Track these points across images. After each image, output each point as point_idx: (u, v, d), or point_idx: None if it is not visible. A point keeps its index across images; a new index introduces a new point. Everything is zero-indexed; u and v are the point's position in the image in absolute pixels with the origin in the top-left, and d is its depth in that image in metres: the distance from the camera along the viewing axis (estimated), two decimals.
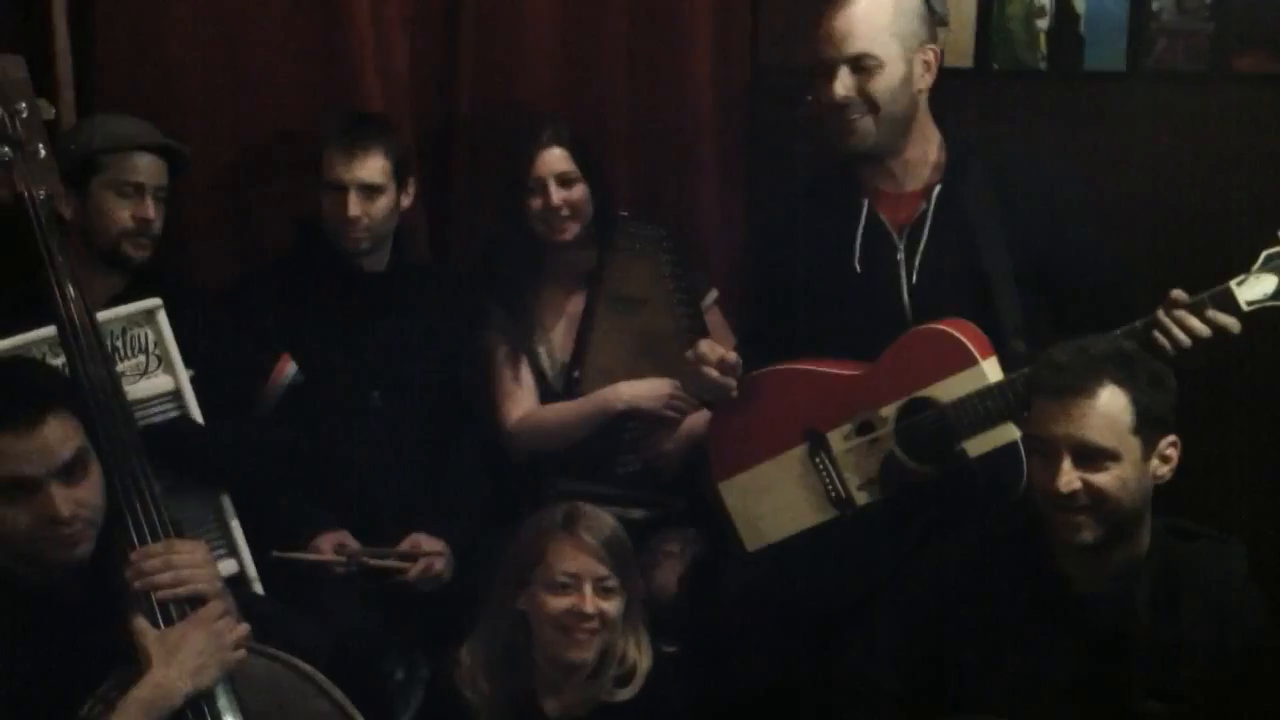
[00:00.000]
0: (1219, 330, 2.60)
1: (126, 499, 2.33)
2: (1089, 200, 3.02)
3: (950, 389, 2.76)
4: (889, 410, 2.84)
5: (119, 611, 2.30)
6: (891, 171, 2.94)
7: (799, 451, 2.95)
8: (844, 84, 2.83)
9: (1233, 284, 2.60)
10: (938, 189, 2.89)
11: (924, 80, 2.89)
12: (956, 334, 2.77)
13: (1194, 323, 2.60)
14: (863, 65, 2.82)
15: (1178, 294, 2.63)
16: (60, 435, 2.28)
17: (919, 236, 2.89)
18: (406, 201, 3.39)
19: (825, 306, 2.94)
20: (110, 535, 2.37)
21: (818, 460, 2.92)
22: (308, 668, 2.34)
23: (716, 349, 2.99)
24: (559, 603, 2.68)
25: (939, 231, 2.88)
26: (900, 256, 2.89)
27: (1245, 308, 2.59)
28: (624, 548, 2.75)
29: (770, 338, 3.06)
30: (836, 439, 2.90)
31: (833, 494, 2.92)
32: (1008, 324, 2.82)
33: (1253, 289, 2.58)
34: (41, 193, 2.51)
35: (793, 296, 2.99)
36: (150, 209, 3.06)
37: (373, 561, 3.22)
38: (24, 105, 2.55)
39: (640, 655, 2.79)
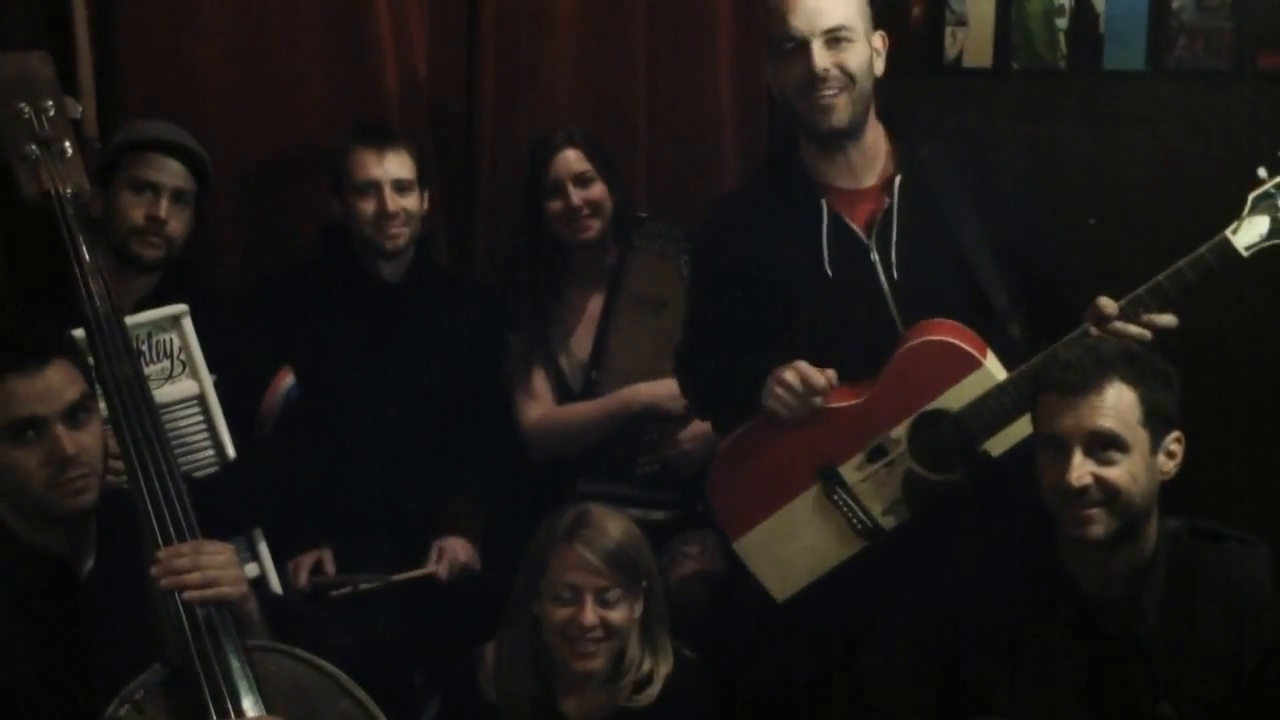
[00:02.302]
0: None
1: (153, 496, 2.34)
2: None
3: (959, 395, 2.71)
4: (900, 431, 2.76)
5: (130, 590, 2.34)
6: (850, 162, 2.83)
7: (813, 492, 2.83)
8: (822, 57, 2.73)
9: (1228, 232, 2.59)
10: (898, 180, 2.81)
11: (879, 64, 2.82)
12: (952, 340, 2.70)
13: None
14: (838, 38, 2.74)
15: None
16: (64, 378, 2.32)
17: (889, 233, 2.79)
18: (425, 204, 3.41)
19: (804, 321, 2.81)
20: (117, 504, 2.41)
21: (835, 497, 2.82)
22: (331, 667, 2.34)
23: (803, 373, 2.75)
24: (561, 613, 2.67)
25: (909, 224, 2.78)
26: (874, 256, 2.79)
27: (1245, 253, 2.58)
28: (630, 557, 2.70)
29: (748, 369, 2.83)
30: (850, 471, 2.80)
31: (858, 526, 2.82)
32: (998, 307, 2.77)
33: (1247, 234, 2.58)
34: (68, 190, 2.52)
35: (765, 314, 2.84)
36: (163, 208, 3.05)
37: (396, 579, 3.22)
38: (51, 103, 2.57)
39: (659, 661, 2.77)
